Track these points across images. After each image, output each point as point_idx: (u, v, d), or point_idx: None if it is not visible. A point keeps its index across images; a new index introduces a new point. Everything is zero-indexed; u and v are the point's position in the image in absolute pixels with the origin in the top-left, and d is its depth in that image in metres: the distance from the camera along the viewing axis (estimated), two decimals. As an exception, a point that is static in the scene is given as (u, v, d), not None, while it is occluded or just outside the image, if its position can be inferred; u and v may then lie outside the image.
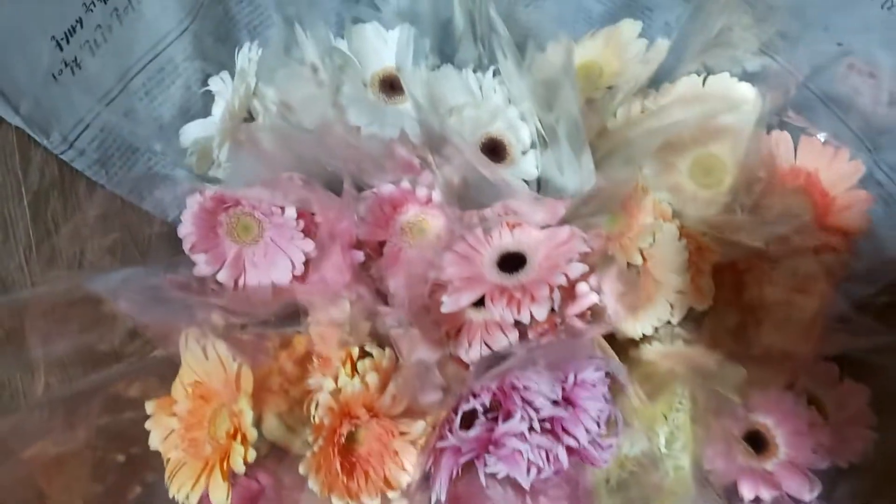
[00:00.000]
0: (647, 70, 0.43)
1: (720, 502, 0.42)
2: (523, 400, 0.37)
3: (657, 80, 0.48)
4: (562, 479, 0.40)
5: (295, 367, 0.42)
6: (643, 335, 0.44)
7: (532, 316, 0.38)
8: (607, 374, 0.39)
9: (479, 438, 0.37)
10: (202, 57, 0.49)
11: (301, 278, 0.44)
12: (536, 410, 0.37)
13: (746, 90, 0.46)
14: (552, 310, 0.38)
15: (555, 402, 0.37)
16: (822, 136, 0.44)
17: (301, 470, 0.37)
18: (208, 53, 0.49)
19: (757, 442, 0.43)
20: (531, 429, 0.36)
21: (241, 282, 0.44)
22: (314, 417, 0.39)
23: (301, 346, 0.43)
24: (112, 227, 0.46)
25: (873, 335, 0.39)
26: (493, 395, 0.37)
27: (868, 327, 0.39)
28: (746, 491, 0.42)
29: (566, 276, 0.38)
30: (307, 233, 0.44)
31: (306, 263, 0.44)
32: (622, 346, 0.45)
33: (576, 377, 0.38)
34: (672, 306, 0.44)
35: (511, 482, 0.39)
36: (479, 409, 0.37)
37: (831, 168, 0.43)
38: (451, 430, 0.37)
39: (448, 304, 0.39)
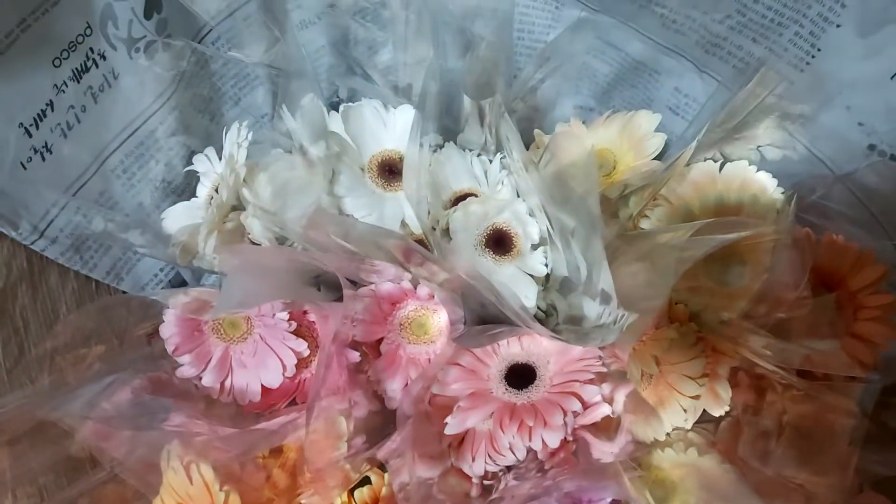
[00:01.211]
0: (668, 175, 0.40)
1: None
2: (534, 541, 0.34)
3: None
4: None
5: (287, 477, 0.40)
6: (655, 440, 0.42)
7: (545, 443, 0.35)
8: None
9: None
10: (185, 131, 0.45)
11: (292, 380, 0.41)
12: (548, 552, 0.34)
13: (765, 179, 0.44)
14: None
15: (567, 540, 0.35)
16: (843, 234, 0.42)
17: None
18: (192, 127, 0.46)
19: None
20: (543, 574, 0.34)
21: (227, 383, 0.41)
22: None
23: (293, 452, 0.40)
24: (88, 319, 0.43)
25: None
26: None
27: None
28: None
29: (581, 401, 0.35)
30: (299, 333, 0.41)
31: (298, 364, 0.41)
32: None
33: (590, 510, 0.35)
34: (686, 411, 0.42)
35: None
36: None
37: (857, 271, 0.41)
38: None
39: (453, 425, 0.37)
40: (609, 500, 0.36)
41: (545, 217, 0.40)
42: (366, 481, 0.37)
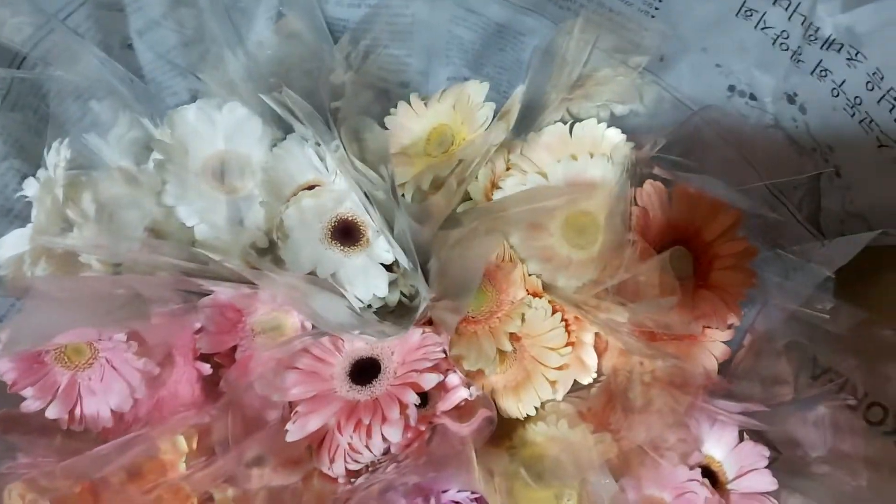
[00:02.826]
0: (496, 138, 0.39)
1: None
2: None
3: (523, 129, 0.44)
4: None
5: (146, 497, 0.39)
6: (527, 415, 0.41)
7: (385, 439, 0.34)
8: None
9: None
10: (18, 154, 0.43)
11: (150, 399, 0.40)
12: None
13: (615, 136, 0.42)
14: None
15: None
16: (696, 181, 0.41)
17: None
18: (26, 149, 0.44)
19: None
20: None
21: (77, 412, 0.40)
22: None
23: (152, 473, 0.39)
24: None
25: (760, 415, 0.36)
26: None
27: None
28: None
29: (417, 392, 0.34)
30: (142, 352, 0.39)
31: (148, 384, 0.39)
32: (509, 426, 0.42)
33: (438, 499, 0.34)
34: (553, 383, 0.41)
35: None
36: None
37: (710, 220, 0.40)
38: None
39: (293, 431, 0.35)
40: (456, 490, 0.35)
41: (371, 202, 0.38)
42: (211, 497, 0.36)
